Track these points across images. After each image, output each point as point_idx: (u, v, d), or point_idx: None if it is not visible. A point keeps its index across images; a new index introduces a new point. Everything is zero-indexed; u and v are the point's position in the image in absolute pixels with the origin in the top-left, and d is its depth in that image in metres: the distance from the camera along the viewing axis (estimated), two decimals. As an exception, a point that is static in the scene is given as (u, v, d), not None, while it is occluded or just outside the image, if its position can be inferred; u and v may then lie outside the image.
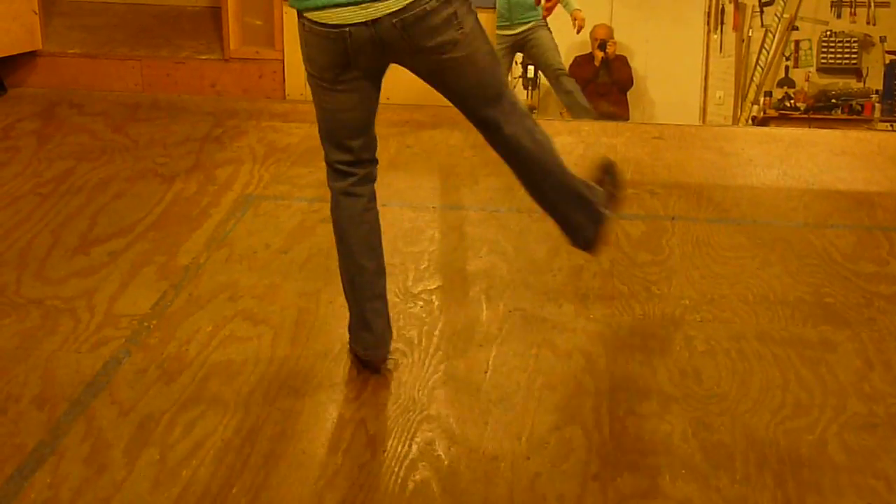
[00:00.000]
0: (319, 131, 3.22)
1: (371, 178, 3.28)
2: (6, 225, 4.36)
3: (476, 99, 3.14)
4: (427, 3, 2.90)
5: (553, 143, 3.31)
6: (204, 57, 6.28)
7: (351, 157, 3.20)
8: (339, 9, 2.90)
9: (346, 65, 3.00)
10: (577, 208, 3.37)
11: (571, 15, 7.77)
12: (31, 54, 6.22)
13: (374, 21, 2.90)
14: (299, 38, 3.06)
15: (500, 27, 7.67)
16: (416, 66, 3.07)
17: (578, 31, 7.87)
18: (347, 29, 2.91)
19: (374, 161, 3.27)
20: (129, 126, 5.59)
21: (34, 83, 6.25)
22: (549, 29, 7.74)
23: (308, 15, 2.96)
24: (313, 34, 2.98)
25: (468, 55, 3.04)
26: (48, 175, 4.90)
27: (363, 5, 2.88)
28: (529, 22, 7.64)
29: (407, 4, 2.89)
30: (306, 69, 3.11)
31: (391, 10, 2.89)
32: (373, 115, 3.20)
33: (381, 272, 3.32)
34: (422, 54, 2.99)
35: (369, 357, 3.36)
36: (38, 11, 6.20)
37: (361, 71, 3.04)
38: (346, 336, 3.43)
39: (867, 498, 2.85)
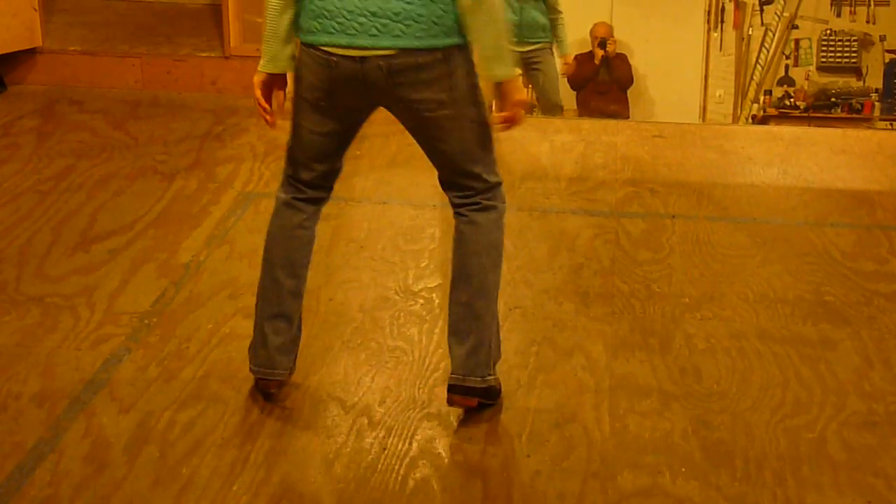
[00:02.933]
0: (288, 147, 3.14)
1: (319, 203, 3.19)
2: (6, 222, 4.36)
3: (456, 166, 3.05)
4: (420, 56, 2.85)
5: (497, 283, 3.13)
6: (204, 54, 6.28)
7: (308, 177, 3.13)
8: (332, 38, 2.87)
9: (332, 92, 2.95)
10: (477, 349, 3.08)
11: (563, 58, 7.87)
12: (31, 51, 6.22)
13: (362, 59, 2.86)
14: (297, 64, 3.02)
15: None
16: (399, 114, 3.01)
17: (563, 74, 7.99)
18: (335, 58, 2.88)
19: (329, 190, 3.19)
20: (130, 123, 5.59)
21: (34, 80, 6.25)
22: (552, 52, 7.75)
23: (304, 39, 2.94)
24: (306, 55, 2.96)
25: (454, 118, 2.96)
26: (48, 172, 4.89)
27: (354, 47, 2.85)
28: (538, 43, 7.64)
29: (398, 52, 2.84)
30: (294, 89, 3.05)
31: (379, 53, 2.85)
32: (344, 147, 3.12)
33: (296, 293, 3.18)
34: (403, 104, 2.95)
35: (258, 375, 3.21)
36: (38, 8, 6.19)
37: (344, 103, 2.99)
38: (347, 334, 3.44)
39: (867, 496, 2.85)
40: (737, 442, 3.06)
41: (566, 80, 8.53)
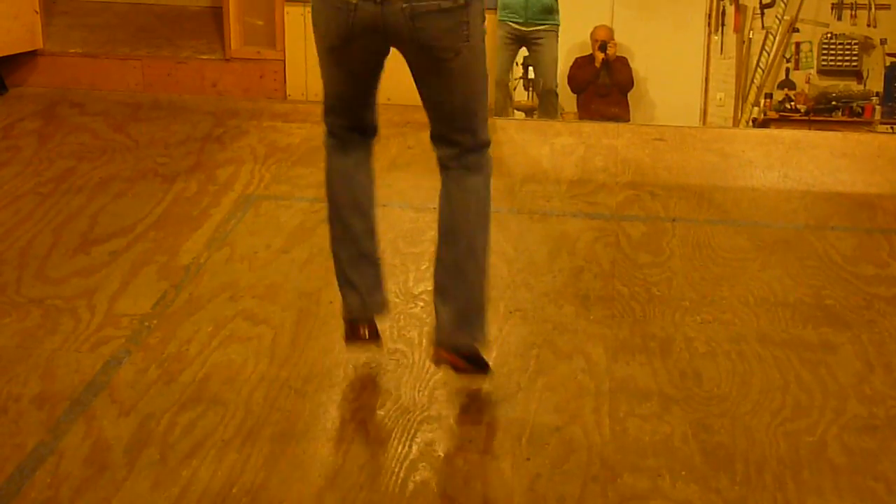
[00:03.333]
0: (324, 94, 3.16)
1: (367, 140, 3.21)
2: (7, 224, 4.36)
3: (454, 118, 3.07)
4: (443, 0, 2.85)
5: (486, 245, 3.15)
6: (205, 57, 6.28)
7: (346, 123, 3.17)
8: None
9: (349, 38, 2.93)
10: (466, 311, 3.10)
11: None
12: (32, 54, 6.22)
13: (384, 2, 2.84)
14: (311, 5, 3.01)
15: (510, 20, 7.67)
16: (413, 60, 3.00)
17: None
18: (354, 3, 2.85)
19: (373, 128, 3.22)
20: (130, 126, 5.59)
21: (35, 82, 6.25)
22: (557, 37, 7.78)
23: None
24: (322, 4, 2.94)
25: (466, 69, 2.98)
26: (49, 174, 4.90)
27: None
28: (543, 24, 7.67)
29: None
30: (314, 36, 3.04)
31: None
32: (373, 88, 3.13)
33: (369, 233, 3.22)
34: (422, 51, 2.93)
35: (354, 317, 3.24)
36: (38, 11, 6.19)
37: (363, 47, 2.96)
38: (347, 336, 3.43)
39: (867, 500, 2.85)
40: (737, 445, 3.06)
41: (566, 82, 8.54)
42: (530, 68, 8.79)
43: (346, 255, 3.21)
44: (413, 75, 3.04)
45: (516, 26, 7.74)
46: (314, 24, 3.02)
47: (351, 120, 3.17)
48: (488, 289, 3.19)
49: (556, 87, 8.11)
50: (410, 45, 2.94)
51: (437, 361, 3.16)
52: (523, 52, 8.17)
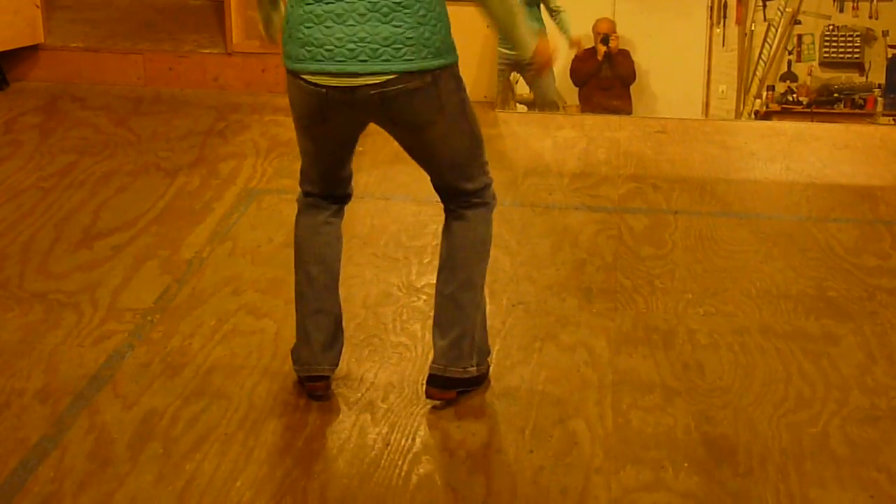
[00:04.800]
0: (301, 162, 3.23)
1: (340, 204, 3.26)
2: (9, 219, 4.37)
3: (448, 172, 3.12)
4: (409, 82, 2.87)
5: (483, 276, 3.20)
6: (206, 51, 6.28)
7: (320, 189, 3.22)
8: (319, 72, 2.88)
9: (324, 118, 2.98)
10: (459, 342, 3.15)
11: (571, 46, 7.89)
12: (34, 48, 6.22)
13: (353, 89, 2.88)
14: (287, 88, 3.04)
15: (502, 46, 7.69)
16: (391, 132, 3.06)
17: (572, 46, 7.97)
18: (324, 89, 2.90)
19: (347, 196, 3.28)
20: (132, 120, 5.59)
21: (36, 77, 6.25)
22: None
23: (291, 67, 2.94)
24: (294, 85, 2.97)
25: (445, 135, 3.02)
26: (51, 169, 4.90)
27: (343, 77, 2.86)
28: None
29: (388, 80, 2.85)
30: (291, 109, 3.09)
31: (370, 82, 2.86)
32: (347, 161, 3.19)
33: (331, 287, 3.22)
34: (397, 126, 3.00)
35: (303, 374, 3.22)
36: (40, 5, 6.20)
37: (337, 126, 3.02)
38: (350, 329, 3.44)
39: (870, 490, 2.85)
40: (739, 437, 3.06)
41: (568, 74, 8.53)
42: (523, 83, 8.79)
43: (306, 309, 3.21)
44: (398, 143, 3.11)
45: (509, 52, 7.75)
46: (290, 100, 3.06)
47: (325, 189, 3.21)
48: (484, 315, 3.26)
49: (563, 103, 8.10)
50: (385, 122, 3.00)
51: (429, 397, 3.19)
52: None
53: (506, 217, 4.43)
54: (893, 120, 9.49)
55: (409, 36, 2.84)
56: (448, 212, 3.19)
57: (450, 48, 2.93)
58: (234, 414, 3.13)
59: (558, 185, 4.86)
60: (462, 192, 3.14)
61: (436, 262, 3.91)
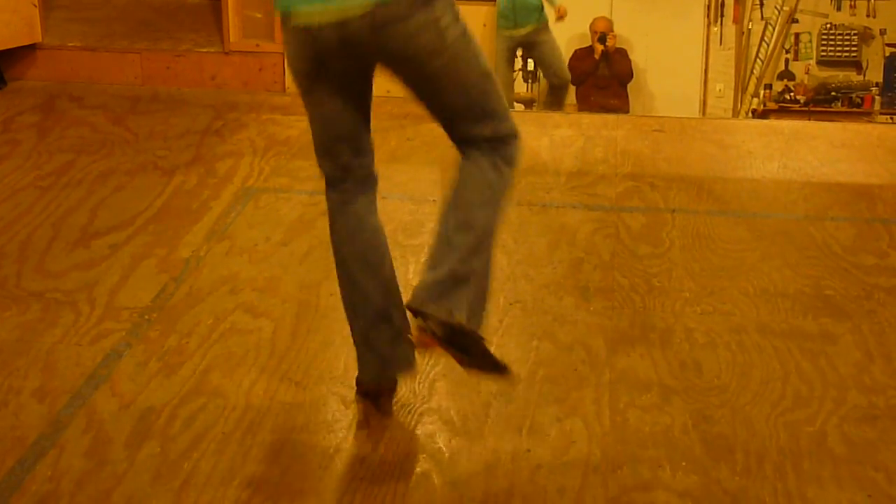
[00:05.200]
0: (313, 137, 3.01)
1: (366, 189, 3.05)
2: (6, 218, 4.36)
3: (465, 113, 2.85)
4: (400, 5, 2.68)
5: (489, 223, 2.88)
6: (204, 50, 6.28)
7: (341, 165, 3.00)
8: (308, 6, 2.73)
9: (322, 68, 2.82)
10: (443, 279, 2.76)
11: (557, 9, 7.93)
12: (31, 47, 6.22)
13: (343, 22, 2.70)
14: (283, 43, 2.89)
15: (504, 27, 7.71)
16: (395, 72, 2.84)
17: (559, 18, 8.00)
18: (315, 28, 2.74)
19: (369, 171, 3.05)
20: (129, 119, 5.59)
21: (34, 76, 6.25)
22: (550, 30, 7.83)
23: (280, 7, 2.80)
24: (290, 35, 2.83)
25: (452, 66, 2.78)
26: (48, 168, 4.90)
27: (332, 3, 2.70)
28: (534, 24, 7.71)
29: (375, 5, 2.67)
30: (293, 77, 2.94)
31: (359, 13, 2.68)
32: (362, 122, 2.98)
33: (383, 291, 3.02)
34: (399, 62, 2.79)
35: (366, 388, 3.13)
36: (37, 4, 6.20)
37: (339, 75, 2.85)
38: (348, 329, 3.43)
39: (867, 489, 2.85)
40: (737, 436, 3.06)
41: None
42: (530, 60, 8.80)
43: (362, 321, 3.04)
44: (404, 88, 2.87)
45: (509, 33, 7.78)
46: (289, 64, 2.90)
47: (344, 158, 2.99)
48: (485, 277, 2.95)
49: (568, 75, 8.16)
50: (385, 58, 2.80)
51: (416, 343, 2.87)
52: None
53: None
54: (891, 118, 9.53)
55: None
56: (466, 154, 2.90)
57: None
58: (231, 413, 3.13)
59: (555, 183, 4.86)
60: (487, 136, 2.86)
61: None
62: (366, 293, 3.01)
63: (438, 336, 2.70)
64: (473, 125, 2.86)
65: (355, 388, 3.20)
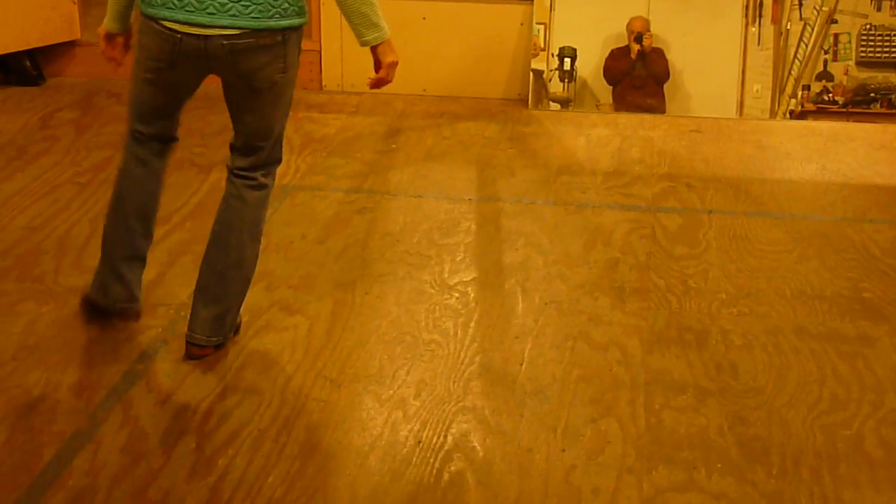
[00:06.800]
0: (129, 99, 3.31)
1: (165, 153, 3.37)
2: (45, 214, 4.39)
3: (259, 132, 3.24)
4: (261, 37, 3.01)
5: (255, 256, 3.39)
6: (241, 48, 6.29)
7: (153, 130, 3.31)
8: (170, 22, 3.01)
9: (173, 63, 3.10)
10: (224, 315, 3.38)
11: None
12: (70, 44, 6.26)
13: (206, 37, 3.00)
14: (138, 25, 3.17)
15: None
16: (230, 85, 3.18)
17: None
18: (179, 35, 3.02)
19: (174, 139, 3.38)
20: (167, 116, 5.61)
21: (72, 73, 6.29)
22: None
23: (144, 10, 3.08)
24: (149, 28, 3.09)
25: (278, 97, 3.17)
26: (86, 164, 4.93)
27: (192, 27, 2.99)
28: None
29: (241, 33, 2.99)
30: (136, 51, 3.22)
31: (222, 33, 2.99)
32: (183, 103, 3.32)
33: (147, 236, 3.41)
34: (240, 79, 3.11)
35: (116, 308, 3.41)
36: (76, 1, 6.23)
37: (185, 72, 3.14)
38: (383, 327, 3.44)
39: (905, 494, 2.83)
40: (773, 438, 3.04)
41: (602, 73, 8.50)
42: (566, 60, 8.77)
43: (122, 253, 3.38)
44: (225, 93, 3.22)
45: None
46: (139, 42, 3.19)
47: (157, 129, 3.32)
48: (245, 292, 3.41)
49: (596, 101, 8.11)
50: (230, 74, 3.12)
51: (189, 356, 3.36)
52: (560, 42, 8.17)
53: (538, 215, 4.42)
54: (930, 120, 9.43)
55: None
56: (231, 183, 3.30)
57: (299, 10, 3.04)
58: (266, 409, 3.14)
59: (591, 183, 4.85)
60: (261, 154, 3.26)
61: (469, 260, 3.92)
62: (133, 234, 3.38)
63: (213, 348, 3.39)
64: (262, 138, 3.26)
65: (82, 305, 3.48)
